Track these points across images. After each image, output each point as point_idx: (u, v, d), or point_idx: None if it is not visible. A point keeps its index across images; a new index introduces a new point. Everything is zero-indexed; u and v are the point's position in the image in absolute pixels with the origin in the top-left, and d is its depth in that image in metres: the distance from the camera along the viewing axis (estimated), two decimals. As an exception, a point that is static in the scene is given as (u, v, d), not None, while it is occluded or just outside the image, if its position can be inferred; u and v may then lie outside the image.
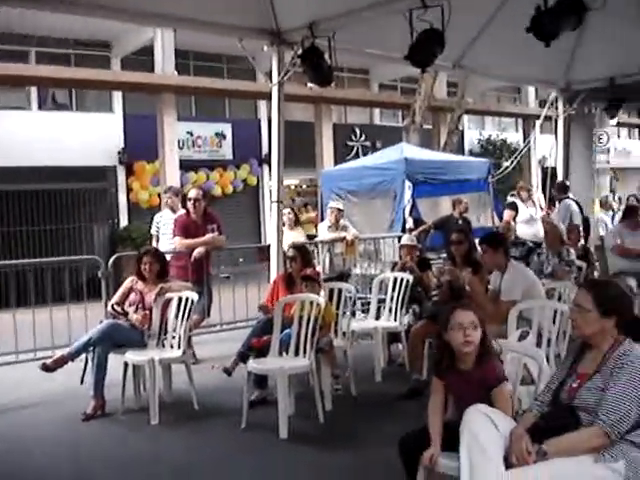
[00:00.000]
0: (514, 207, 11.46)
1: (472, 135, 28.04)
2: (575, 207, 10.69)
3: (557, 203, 11.09)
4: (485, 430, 3.27)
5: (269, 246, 8.66)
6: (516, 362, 3.96)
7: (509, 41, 7.91)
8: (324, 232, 10.53)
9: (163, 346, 6.62)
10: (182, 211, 8.79)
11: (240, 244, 16.01)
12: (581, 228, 9.79)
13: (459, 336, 3.69)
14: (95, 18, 11.88)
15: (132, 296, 6.82)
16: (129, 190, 19.74)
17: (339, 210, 10.50)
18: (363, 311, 9.43)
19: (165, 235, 9.12)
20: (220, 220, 8.76)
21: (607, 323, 3.40)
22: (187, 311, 6.50)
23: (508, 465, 3.19)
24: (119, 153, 19.49)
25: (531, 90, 28.60)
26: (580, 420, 3.31)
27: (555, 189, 11.39)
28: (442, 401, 3.79)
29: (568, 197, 10.91)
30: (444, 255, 9.25)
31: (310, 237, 11.22)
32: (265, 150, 21.33)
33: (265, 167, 21.50)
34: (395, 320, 7.69)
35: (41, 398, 6.99)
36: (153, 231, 9.47)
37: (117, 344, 6.40)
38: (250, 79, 20.66)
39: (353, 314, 8.45)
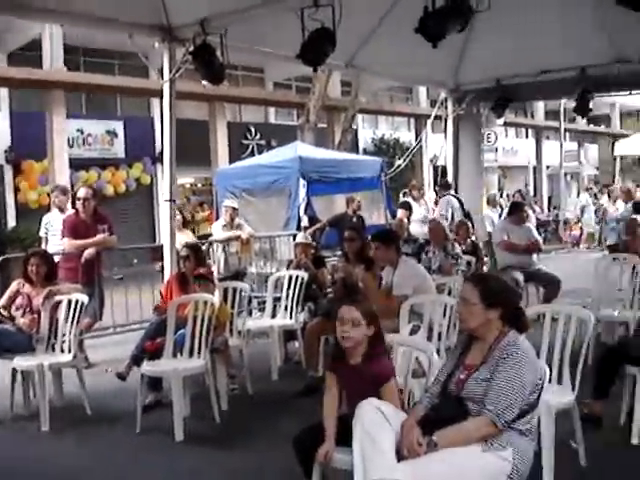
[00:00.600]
0: (408, 206, 11.69)
1: (366, 134, 28.44)
2: (456, 203, 11.00)
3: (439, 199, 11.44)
4: (377, 423, 3.31)
5: (162, 246, 8.52)
6: (408, 356, 4.04)
7: (400, 41, 8.03)
8: (219, 231, 10.45)
9: (53, 350, 6.42)
10: (71, 211, 8.54)
11: (134, 244, 15.72)
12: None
13: (339, 331, 3.75)
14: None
15: (19, 300, 6.59)
16: (17, 190, 19.04)
17: (234, 209, 10.44)
18: (259, 310, 9.42)
19: (55, 236, 8.82)
20: (111, 220, 8.56)
21: (492, 315, 3.51)
22: (77, 314, 6.33)
23: (400, 457, 3.24)
24: (6, 152, 18.80)
25: (422, 90, 29.24)
26: (468, 410, 3.40)
27: (438, 186, 11.73)
28: (336, 396, 3.82)
29: (449, 193, 11.22)
30: (339, 252, 9.35)
31: (205, 236, 11.13)
32: (159, 148, 20.98)
33: (159, 166, 21.15)
34: (291, 318, 7.72)
35: None
36: (42, 233, 9.14)
37: (4, 349, 6.18)
38: (142, 76, 20.26)
39: (249, 313, 8.45)
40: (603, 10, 7.17)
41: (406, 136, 29.04)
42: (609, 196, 15.00)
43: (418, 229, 11.27)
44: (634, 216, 9.64)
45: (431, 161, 27.01)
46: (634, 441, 5.03)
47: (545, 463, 4.13)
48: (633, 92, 11.30)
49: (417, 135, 28.24)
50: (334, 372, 3.87)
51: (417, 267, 6.60)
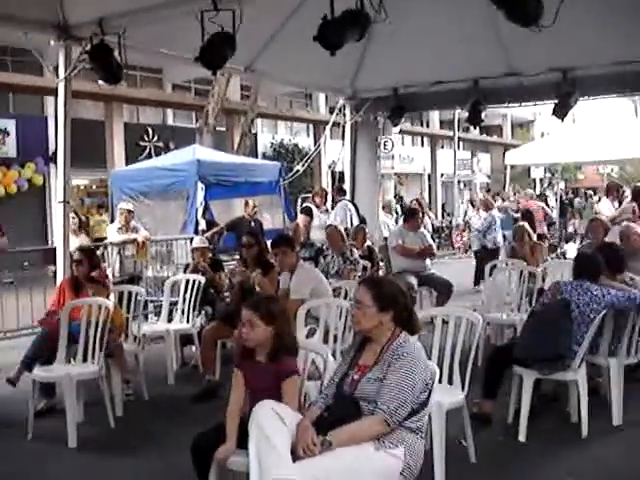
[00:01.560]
0: (309, 212, 11.74)
1: (265, 139, 28.49)
2: (352, 207, 11.17)
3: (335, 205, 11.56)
4: (272, 424, 3.35)
5: (55, 249, 8.30)
6: (304, 358, 4.10)
7: (300, 48, 8.09)
8: (114, 234, 10.25)
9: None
10: None
11: (25, 247, 15.23)
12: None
13: (241, 332, 3.81)
14: None
15: None
16: None
17: (129, 211, 10.25)
18: (155, 314, 9.31)
19: None
20: (0, 222, 8.29)
21: (384, 318, 3.62)
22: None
23: (295, 457, 3.29)
24: None
25: (322, 97, 29.55)
26: (362, 410, 3.49)
27: (334, 191, 11.89)
28: (242, 395, 3.84)
29: (345, 198, 11.40)
30: (237, 256, 9.36)
31: (100, 239, 10.92)
32: (52, 148, 20.38)
33: (52, 166, 20.55)
34: (188, 322, 7.67)
35: None
36: None
37: None
38: (37, 74, 19.69)
39: (145, 317, 8.34)
40: (496, 24, 7.43)
41: (305, 141, 29.27)
42: (473, 205, 15.60)
43: (318, 235, 11.34)
44: (521, 223, 10.02)
45: (329, 167, 27.28)
46: (521, 438, 5.26)
47: (436, 460, 4.27)
48: (523, 104, 11.74)
49: (316, 141, 28.50)
50: (241, 369, 3.90)
51: (314, 271, 6.70)
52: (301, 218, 11.66)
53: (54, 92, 7.87)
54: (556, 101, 9.16)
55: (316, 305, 5.80)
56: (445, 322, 4.95)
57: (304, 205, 12.58)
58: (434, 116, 38.01)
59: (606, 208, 12.54)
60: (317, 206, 11.96)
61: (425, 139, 39.19)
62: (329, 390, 3.73)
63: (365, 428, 3.41)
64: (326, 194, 12.54)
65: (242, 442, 3.54)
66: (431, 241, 10.23)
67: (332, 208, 11.37)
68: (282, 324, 3.89)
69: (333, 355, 4.47)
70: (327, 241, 8.97)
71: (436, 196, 37.90)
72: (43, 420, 5.82)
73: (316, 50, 5.98)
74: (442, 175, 37.85)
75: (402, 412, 3.40)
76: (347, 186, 11.91)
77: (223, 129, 23.12)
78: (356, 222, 10.70)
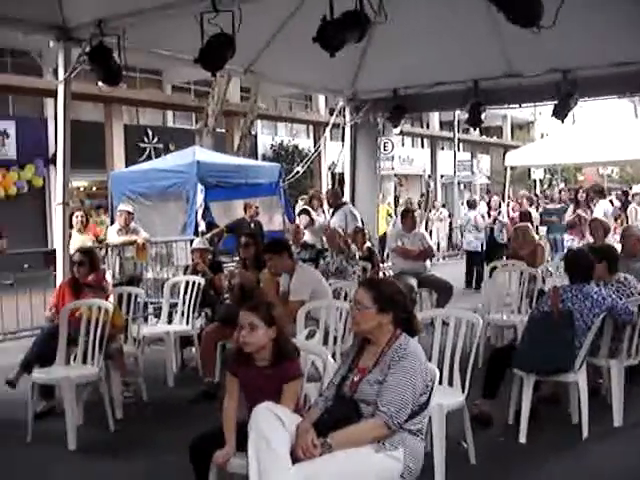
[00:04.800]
0: (308, 213, 11.70)
1: (265, 140, 28.49)
2: (355, 212, 11.07)
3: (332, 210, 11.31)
4: (271, 426, 3.34)
5: (55, 250, 8.30)
6: (304, 360, 4.08)
7: (299, 49, 8.08)
8: (114, 235, 10.25)
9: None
10: None
11: (25, 248, 15.23)
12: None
13: (240, 336, 3.77)
14: None
15: None
16: None
17: (129, 213, 10.26)
18: (155, 316, 9.30)
19: None
20: (1, 223, 8.29)
21: (384, 319, 3.60)
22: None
23: (295, 459, 3.28)
24: None
25: (322, 98, 29.54)
26: (362, 412, 3.48)
27: (329, 196, 11.72)
28: (237, 400, 3.82)
29: (345, 203, 11.28)
30: (237, 258, 9.35)
31: (100, 241, 10.91)
32: (52, 150, 20.39)
33: (52, 168, 20.55)
34: (187, 324, 7.66)
35: None
36: None
37: None
38: (36, 75, 19.72)
39: (145, 319, 8.33)
40: (496, 25, 7.42)
41: (305, 143, 29.25)
42: (470, 206, 15.66)
43: (314, 237, 11.31)
44: (522, 224, 10.02)
45: (329, 168, 27.29)
46: (522, 440, 5.25)
47: (437, 462, 4.25)
48: (523, 105, 11.74)
49: (316, 142, 28.49)
50: (236, 376, 3.87)
51: (313, 272, 6.69)
52: (302, 219, 11.62)
53: (53, 94, 7.87)
54: (556, 102, 9.15)
55: (316, 306, 5.79)
56: (445, 323, 4.94)
57: (303, 207, 12.55)
58: (434, 117, 38.01)
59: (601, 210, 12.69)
60: (314, 209, 11.93)
61: (425, 140, 39.18)
62: (329, 392, 3.72)
63: (365, 430, 3.40)
64: (320, 200, 12.49)
65: (241, 445, 3.52)
66: (430, 242, 10.23)
67: (330, 213, 11.23)
68: (281, 327, 3.87)
69: (333, 357, 4.46)
70: (326, 242, 8.98)
71: (436, 197, 37.88)
72: (43, 422, 5.79)
73: (316, 51, 5.97)
74: (442, 176, 37.85)
75: (402, 414, 3.39)
76: (347, 187, 11.89)
77: (223, 130, 23.11)
78: (355, 225, 10.65)
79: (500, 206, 14.89)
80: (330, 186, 22.79)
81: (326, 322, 5.60)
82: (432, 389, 3.58)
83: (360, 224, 10.52)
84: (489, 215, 14.80)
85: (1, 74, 19.61)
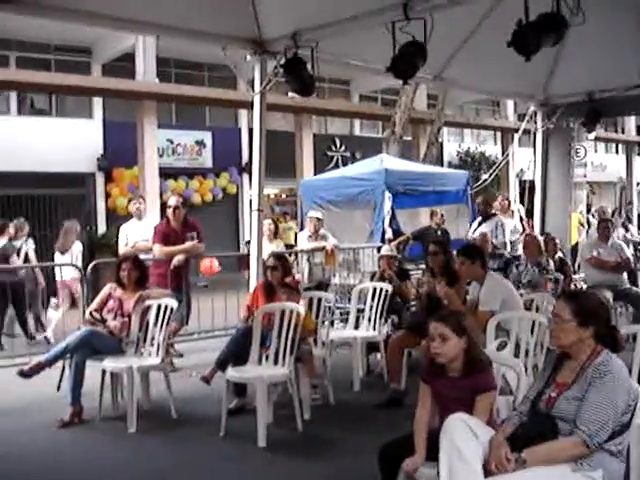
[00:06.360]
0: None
1: (451, 147, 28.21)
2: (506, 225, 10.57)
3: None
4: (464, 438, 3.29)
5: (247, 255, 8.64)
6: (494, 372, 3.99)
7: (489, 55, 7.98)
8: (304, 241, 10.54)
9: (141, 354, 6.59)
10: (149, 218, 8.75)
11: (218, 252, 15.97)
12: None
13: (431, 347, 3.75)
14: (76, 24, 11.91)
15: (110, 303, 6.78)
16: (107, 196, 19.62)
17: (318, 219, 10.49)
18: (341, 320, 9.45)
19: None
20: (200, 228, 8.75)
21: (585, 333, 3.44)
22: (166, 319, 6.49)
23: (487, 473, 3.22)
24: (98, 159, 19.39)
25: (510, 103, 28.83)
26: (558, 429, 3.35)
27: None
28: (429, 409, 3.80)
29: (495, 214, 10.77)
30: (422, 266, 9.31)
31: (288, 247, 11.23)
32: (245, 159, 21.33)
33: (245, 176, 21.50)
34: (374, 330, 7.71)
35: (17, 404, 6.92)
36: (122, 242, 9.39)
37: (95, 351, 6.35)
38: (231, 87, 20.67)
39: (331, 323, 8.47)
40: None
41: (492, 150, 28.69)
42: None
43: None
44: None
45: (517, 176, 26.59)
46: None
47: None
48: None
49: (503, 149, 27.93)
50: (429, 385, 3.86)
51: (505, 283, 6.51)
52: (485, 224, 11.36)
53: (247, 105, 8.23)
54: None
55: (507, 318, 5.64)
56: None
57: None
58: (630, 121, 36.01)
59: None
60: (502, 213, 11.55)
61: (620, 146, 37.22)
62: (523, 407, 3.60)
63: (563, 448, 3.27)
64: (509, 202, 12.07)
65: (430, 454, 3.50)
66: (629, 253, 9.69)
67: (478, 222, 10.75)
68: (472, 337, 3.81)
69: (524, 371, 4.31)
70: (523, 250, 8.71)
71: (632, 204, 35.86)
72: (235, 419, 6.04)
73: (507, 56, 5.85)
74: (638, 184, 35.75)
75: (603, 434, 3.22)
76: (537, 195, 11.50)
77: (409, 138, 23.14)
78: (502, 239, 10.20)
79: None
80: (518, 194, 22.16)
81: (517, 334, 5.44)
82: (635, 408, 3.38)
83: (507, 240, 10.14)
84: None
85: (200, 87, 20.76)
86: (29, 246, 10.66)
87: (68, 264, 10.03)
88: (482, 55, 8.31)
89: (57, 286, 10.14)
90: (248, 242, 10.33)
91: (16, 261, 10.17)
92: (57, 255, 10.67)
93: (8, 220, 10.86)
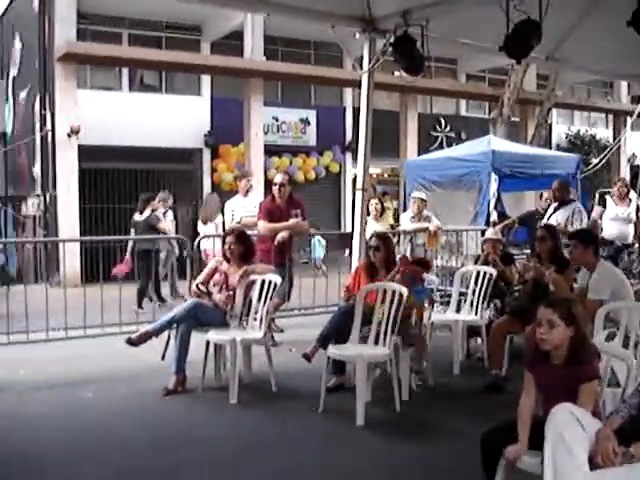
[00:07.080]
0: (603, 204, 11.02)
1: (560, 129, 27.39)
2: (584, 211, 9.95)
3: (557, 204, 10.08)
4: (571, 429, 3.22)
5: (350, 233, 8.66)
6: (603, 363, 3.88)
7: (605, 35, 7.71)
8: (406, 222, 10.49)
9: (244, 327, 6.73)
10: (254, 194, 8.87)
11: (320, 231, 16.07)
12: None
13: (537, 333, 3.69)
14: (188, 2, 12.13)
15: (216, 276, 6.94)
16: (213, 172, 19.99)
17: (422, 200, 10.42)
18: (441, 303, 9.36)
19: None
20: (304, 205, 8.82)
21: None
22: (269, 294, 6.59)
23: (592, 465, 3.14)
24: (205, 136, 19.74)
25: (624, 85, 27.73)
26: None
27: (557, 189, 10.04)
28: (533, 398, 3.76)
29: (573, 200, 10.26)
30: (527, 251, 9.11)
31: (390, 227, 11.19)
32: (349, 138, 21.31)
33: (348, 155, 21.50)
34: (475, 314, 7.61)
35: (126, 372, 7.21)
36: (228, 218, 9.58)
37: (200, 323, 6.53)
38: (337, 66, 20.64)
39: (432, 305, 8.41)
40: None
41: (603, 133, 27.71)
42: None
43: (610, 229, 10.58)
44: None
45: (629, 160, 25.64)
46: None
47: None
48: None
49: (615, 132, 26.92)
50: (533, 372, 3.80)
51: (615, 271, 6.30)
52: (596, 210, 10.99)
53: (353, 83, 8.21)
54: None
55: (617, 308, 5.46)
56: None
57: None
58: None
59: None
60: (619, 197, 11.11)
61: None
62: (633, 400, 3.49)
63: (677, 446, 3.16)
64: (628, 189, 11.59)
65: (533, 443, 3.44)
66: None
67: (553, 208, 10.19)
68: (580, 327, 3.71)
69: (634, 362, 4.18)
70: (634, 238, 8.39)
71: None
72: (333, 396, 6.11)
73: (623, 36, 5.63)
74: None
75: None
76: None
77: (517, 119, 22.59)
78: (578, 225, 9.59)
79: None
80: (629, 179, 21.39)
81: (627, 325, 5.26)
82: None
83: (584, 226, 9.57)
84: None
85: (306, 65, 20.83)
86: (168, 217, 11.21)
87: (213, 235, 10.29)
88: (598, 34, 8.00)
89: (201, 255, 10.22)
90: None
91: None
92: (200, 225, 11.07)
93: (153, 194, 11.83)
